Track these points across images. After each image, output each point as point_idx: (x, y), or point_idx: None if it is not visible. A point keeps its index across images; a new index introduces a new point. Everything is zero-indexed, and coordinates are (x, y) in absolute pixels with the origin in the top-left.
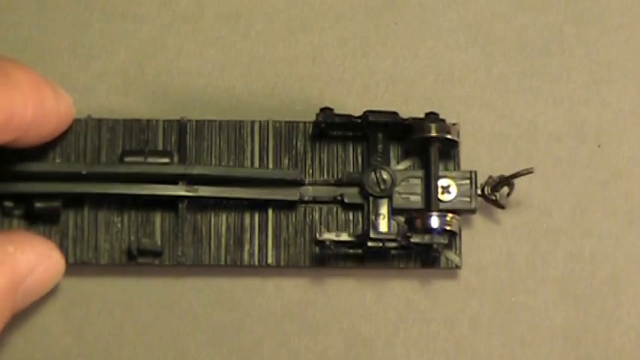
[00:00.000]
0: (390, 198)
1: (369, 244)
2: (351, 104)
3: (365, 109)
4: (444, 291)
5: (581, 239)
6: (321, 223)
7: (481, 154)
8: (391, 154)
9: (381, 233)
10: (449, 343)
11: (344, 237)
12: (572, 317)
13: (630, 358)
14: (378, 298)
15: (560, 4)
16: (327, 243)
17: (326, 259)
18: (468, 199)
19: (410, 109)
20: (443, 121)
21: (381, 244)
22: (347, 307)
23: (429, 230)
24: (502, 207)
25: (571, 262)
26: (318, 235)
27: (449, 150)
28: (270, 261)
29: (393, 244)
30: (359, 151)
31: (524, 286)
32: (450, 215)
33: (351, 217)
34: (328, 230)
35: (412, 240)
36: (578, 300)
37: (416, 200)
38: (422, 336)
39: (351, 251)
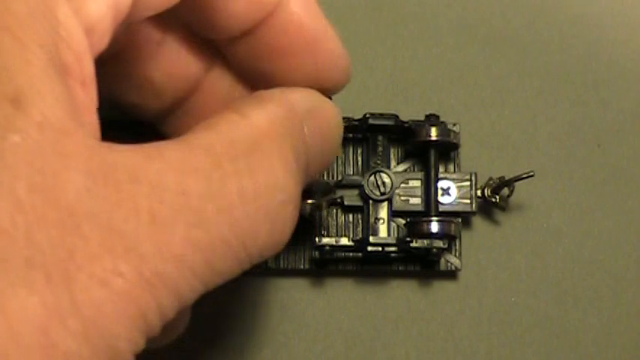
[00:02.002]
0: (389, 201)
1: (369, 248)
2: (351, 104)
3: (364, 109)
4: (444, 291)
5: (581, 239)
6: (320, 226)
7: (481, 155)
8: (391, 156)
9: (380, 238)
10: (449, 343)
11: (343, 242)
12: (572, 317)
13: (630, 358)
14: (378, 298)
15: (560, 4)
16: (327, 248)
17: (325, 262)
18: (468, 202)
19: (410, 110)
20: (443, 123)
21: (380, 249)
22: (347, 308)
23: (429, 235)
24: (503, 209)
25: (571, 262)
26: (317, 241)
27: (449, 152)
28: (269, 263)
29: (393, 249)
30: (359, 152)
31: (524, 286)
32: (449, 220)
33: (350, 219)
34: (328, 233)
35: (412, 245)
36: (578, 300)
37: (416, 203)
38: (422, 336)
39: (351, 255)
